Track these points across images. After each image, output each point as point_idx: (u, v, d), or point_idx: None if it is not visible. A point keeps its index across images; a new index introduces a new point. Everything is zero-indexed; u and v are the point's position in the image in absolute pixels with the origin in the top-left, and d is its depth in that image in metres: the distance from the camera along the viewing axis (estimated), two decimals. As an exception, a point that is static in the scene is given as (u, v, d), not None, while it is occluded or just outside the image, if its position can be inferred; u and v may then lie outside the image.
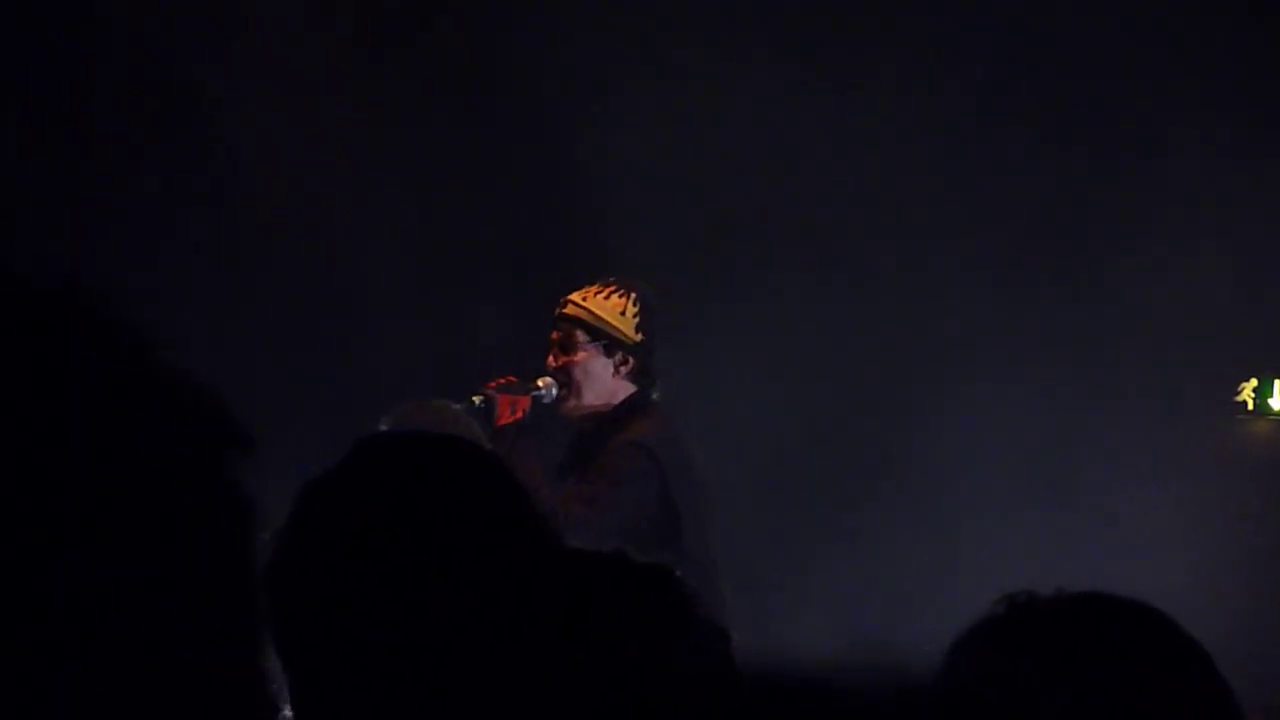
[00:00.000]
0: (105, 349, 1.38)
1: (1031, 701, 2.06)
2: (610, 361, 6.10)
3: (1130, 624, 2.12)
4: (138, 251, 7.35)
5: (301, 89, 7.59)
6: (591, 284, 6.19)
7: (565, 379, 6.09)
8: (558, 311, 6.17)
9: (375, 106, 7.71)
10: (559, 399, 6.09)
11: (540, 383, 6.08)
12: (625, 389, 6.11)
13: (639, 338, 6.12)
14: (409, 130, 7.79)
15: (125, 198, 7.44)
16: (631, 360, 6.11)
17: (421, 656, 2.27)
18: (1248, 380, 7.69)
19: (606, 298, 6.14)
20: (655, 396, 6.14)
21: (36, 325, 1.37)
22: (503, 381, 6.07)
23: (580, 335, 6.10)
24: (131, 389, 1.37)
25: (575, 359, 6.09)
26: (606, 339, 6.10)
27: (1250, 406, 7.69)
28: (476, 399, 5.98)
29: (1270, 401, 7.70)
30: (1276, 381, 7.70)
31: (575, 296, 6.16)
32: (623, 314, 6.12)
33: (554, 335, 6.16)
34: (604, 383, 6.10)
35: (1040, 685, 2.06)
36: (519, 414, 5.99)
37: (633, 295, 6.15)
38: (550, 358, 6.14)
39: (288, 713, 2.25)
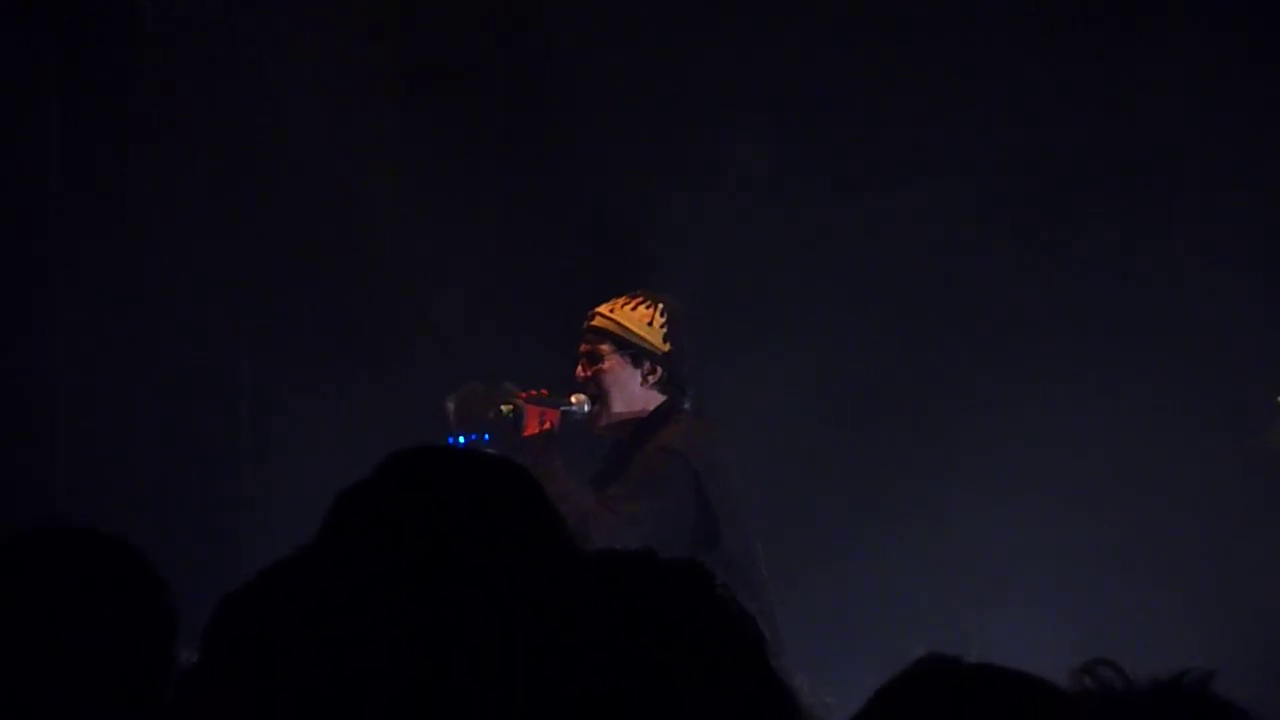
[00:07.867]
0: None
1: None
2: (638, 371, 6.14)
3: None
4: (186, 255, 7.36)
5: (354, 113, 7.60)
6: (619, 296, 6.22)
7: (594, 389, 6.13)
8: (585, 324, 6.21)
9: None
10: (591, 415, 6.11)
11: (573, 399, 6.10)
12: (655, 398, 6.15)
13: (667, 347, 6.14)
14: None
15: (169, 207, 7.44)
16: (660, 369, 6.14)
17: (448, 663, 2.31)
18: None
19: (634, 309, 6.17)
20: (687, 405, 6.16)
21: None
22: (534, 393, 6.10)
23: (607, 346, 6.13)
24: None
25: (603, 368, 6.12)
26: (633, 349, 6.12)
27: None
28: (506, 408, 6.01)
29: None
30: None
31: (603, 309, 6.20)
32: (650, 324, 6.15)
33: (582, 347, 6.20)
34: (632, 392, 6.14)
35: None
36: (547, 425, 6.01)
37: (660, 305, 6.19)
38: (579, 368, 6.17)
39: None
